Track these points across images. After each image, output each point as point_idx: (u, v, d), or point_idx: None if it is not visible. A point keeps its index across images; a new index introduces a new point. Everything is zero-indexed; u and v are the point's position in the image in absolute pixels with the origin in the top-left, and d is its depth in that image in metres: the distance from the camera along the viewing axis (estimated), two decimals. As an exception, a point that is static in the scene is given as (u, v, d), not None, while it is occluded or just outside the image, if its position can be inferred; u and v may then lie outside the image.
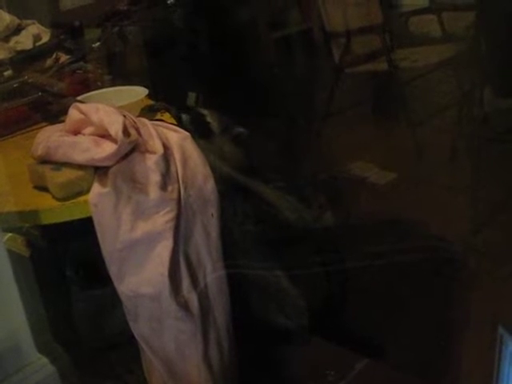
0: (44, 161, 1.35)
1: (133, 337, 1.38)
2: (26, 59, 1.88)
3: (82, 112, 1.38)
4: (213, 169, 1.42)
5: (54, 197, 1.30)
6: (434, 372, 1.70)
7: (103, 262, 1.32)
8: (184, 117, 1.77)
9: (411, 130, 3.02)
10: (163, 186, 1.31)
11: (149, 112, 1.64)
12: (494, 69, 2.90)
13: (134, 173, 1.31)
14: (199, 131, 1.69)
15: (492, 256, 2.16)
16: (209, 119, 1.80)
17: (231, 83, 2.56)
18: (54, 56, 1.93)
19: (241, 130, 1.81)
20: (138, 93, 1.66)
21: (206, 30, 2.67)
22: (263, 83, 2.94)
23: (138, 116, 1.53)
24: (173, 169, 1.35)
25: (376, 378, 1.69)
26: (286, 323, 1.79)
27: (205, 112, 1.82)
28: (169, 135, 1.41)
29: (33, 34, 1.99)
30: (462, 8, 3.41)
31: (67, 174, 1.30)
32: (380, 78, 3.44)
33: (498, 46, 2.81)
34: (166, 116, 1.66)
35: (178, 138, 1.41)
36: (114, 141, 1.29)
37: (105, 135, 1.33)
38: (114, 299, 1.36)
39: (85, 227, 1.32)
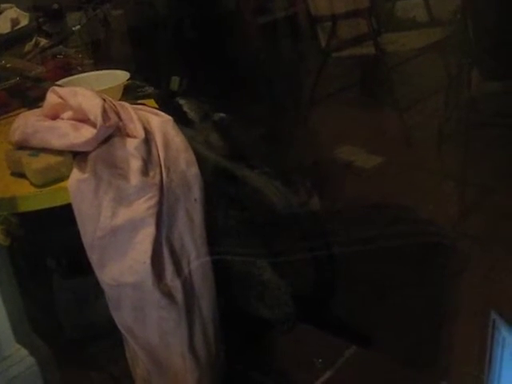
0: (21, 146, 1.31)
1: (116, 327, 1.35)
2: (4, 43, 1.84)
3: (60, 96, 1.34)
4: (196, 153, 1.39)
5: (31, 183, 1.27)
6: (425, 358, 1.69)
7: (85, 251, 1.29)
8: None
9: (398, 114, 3.01)
10: (144, 171, 1.28)
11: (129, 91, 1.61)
12: (482, 52, 2.88)
13: (115, 158, 1.28)
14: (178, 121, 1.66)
15: (482, 240, 2.14)
16: (186, 109, 1.76)
17: (216, 68, 2.53)
18: (33, 40, 1.90)
19: (222, 114, 1.77)
20: (119, 77, 1.62)
21: (190, 14, 2.63)
22: (248, 68, 2.90)
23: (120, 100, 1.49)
24: (154, 153, 1.31)
25: (365, 366, 1.67)
26: (266, 313, 1.77)
27: (182, 102, 1.78)
28: (150, 119, 1.37)
29: (11, 18, 1.95)
30: (448, -9, 3.39)
31: (45, 160, 1.26)
32: (367, 63, 3.42)
33: (485, 29, 2.79)
34: (151, 102, 1.63)
35: (159, 121, 1.37)
36: (94, 125, 1.26)
37: (84, 119, 1.29)
38: (97, 289, 1.32)
39: (65, 215, 1.28)
